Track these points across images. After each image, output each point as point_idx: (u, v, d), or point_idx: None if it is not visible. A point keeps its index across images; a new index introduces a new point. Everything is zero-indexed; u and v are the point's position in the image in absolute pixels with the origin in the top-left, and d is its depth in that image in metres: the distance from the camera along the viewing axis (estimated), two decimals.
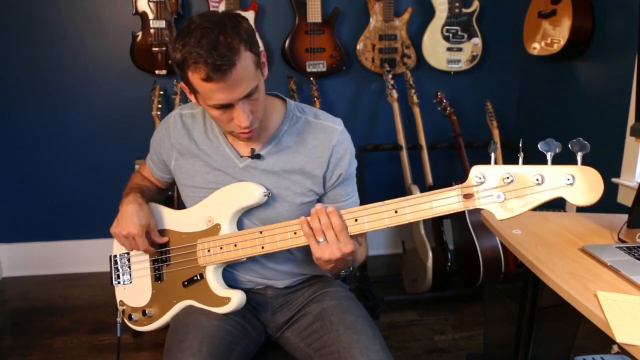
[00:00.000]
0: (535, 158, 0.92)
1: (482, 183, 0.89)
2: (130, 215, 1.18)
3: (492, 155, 0.90)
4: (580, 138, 0.85)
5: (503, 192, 0.87)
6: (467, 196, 0.90)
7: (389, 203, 0.97)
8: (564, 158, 0.89)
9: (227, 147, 1.19)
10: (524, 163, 0.88)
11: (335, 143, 1.18)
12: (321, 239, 1.01)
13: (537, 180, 0.85)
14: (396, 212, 0.97)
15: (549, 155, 0.86)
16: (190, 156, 1.22)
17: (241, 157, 1.18)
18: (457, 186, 0.91)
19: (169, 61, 2.56)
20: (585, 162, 0.85)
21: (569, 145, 0.85)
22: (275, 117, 1.19)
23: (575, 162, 0.85)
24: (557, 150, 0.85)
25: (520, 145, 0.94)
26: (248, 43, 0.99)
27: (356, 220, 1.01)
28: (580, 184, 0.83)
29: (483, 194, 0.89)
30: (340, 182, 1.20)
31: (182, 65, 0.99)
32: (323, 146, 1.18)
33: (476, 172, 0.89)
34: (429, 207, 0.94)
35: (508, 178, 0.87)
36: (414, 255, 2.49)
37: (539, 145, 0.86)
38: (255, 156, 1.17)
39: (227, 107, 1.03)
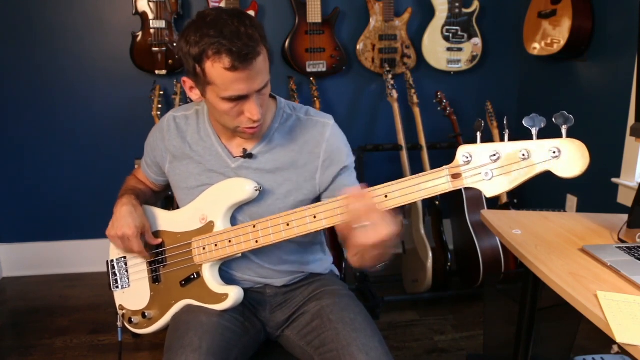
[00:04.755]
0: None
1: (469, 162, 0.89)
2: (124, 217, 1.18)
3: (478, 134, 0.90)
4: (564, 111, 0.84)
5: (491, 169, 0.87)
6: (456, 176, 0.90)
7: (379, 188, 0.96)
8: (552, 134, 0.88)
9: (219, 148, 1.19)
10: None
11: (328, 136, 1.18)
12: (365, 224, 0.91)
13: (524, 155, 0.85)
14: (386, 196, 0.95)
15: (534, 131, 0.86)
16: (184, 158, 1.22)
17: (234, 157, 1.18)
18: (445, 167, 0.91)
19: (169, 61, 2.56)
20: None
21: (553, 119, 0.85)
22: (267, 115, 1.19)
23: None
24: (542, 125, 0.85)
25: (505, 122, 0.94)
26: (263, 37, 1.02)
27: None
28: (566, 156, 0.83)
29: (471, 173, 0.89)
30: (341, 174, 1.19)
31: (199, 57, 0.98)
32: (315, 140, 1.18)
33: (463, 151, 0.89)
34: (417, 190, 0.93)
35: (495, 155, 0.87)
36: (414, 255, 2.49)
37: (523, 121, 0.86)
38: (248, 155, 1.17)
39: (240, 99, 1.03)
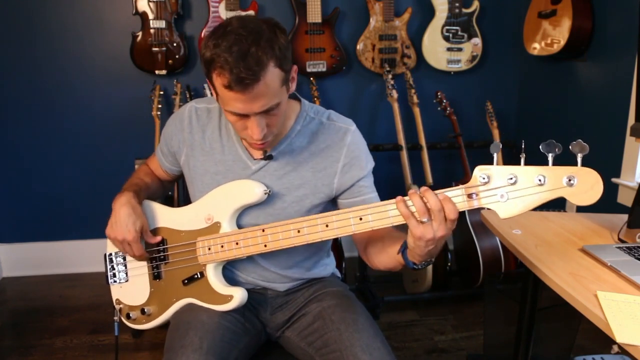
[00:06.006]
0: (535, 157, 0.93)
1: (486, 183, 0.90)
2: (124, 220, 1.17)
3: (495, 155, 0.91)
4: (580, 140, 0.86)
5: (506, 192, 0.89)
6: (471, 196, 0.91)
7: (392, 202, 0.96)
8: (564, 157, 0.90)
9: (240, 148, 1.18)
10: (526, 163, 0.89)
11: (349, 142, 1.17)
12: (425, 219, 0.90)
13: (540, 180, 0.87)
14: None
15: (550, 157, 0.87)
16: (202, 154, 1.20)
17: (254, 159, 1.17)
18: (462, 186, 0.92)
19: (169, 61, 2.56)
20: (585, 163, 0.85)
21: (570, 147, 0.87)
22: (289, 118, 1.18)
23: (575, 163, 0.86)
24: (558, 152, 0.87)
25: (523, 146, 0.95)
26: (279, 59, 0.98)
27: (361, 219, 1.00)
28: (580, 184, 0.85)
29: (487, 194, 0.90)
30: (359, 181, 1.18)
31: (209, 64, 0.98)
32: (336, 145, 1.17)
33: (480, 172, 0.90)
34: None
35: (511, 179, 0.88)
36: None
37: (540, 147, 0.87)
38: (268, 157, 1.16)
39: (243, 116, 1.02)
